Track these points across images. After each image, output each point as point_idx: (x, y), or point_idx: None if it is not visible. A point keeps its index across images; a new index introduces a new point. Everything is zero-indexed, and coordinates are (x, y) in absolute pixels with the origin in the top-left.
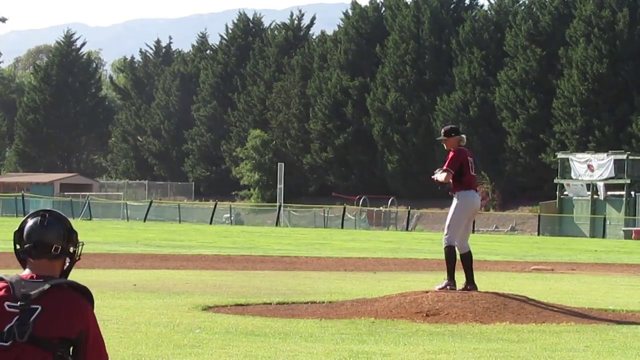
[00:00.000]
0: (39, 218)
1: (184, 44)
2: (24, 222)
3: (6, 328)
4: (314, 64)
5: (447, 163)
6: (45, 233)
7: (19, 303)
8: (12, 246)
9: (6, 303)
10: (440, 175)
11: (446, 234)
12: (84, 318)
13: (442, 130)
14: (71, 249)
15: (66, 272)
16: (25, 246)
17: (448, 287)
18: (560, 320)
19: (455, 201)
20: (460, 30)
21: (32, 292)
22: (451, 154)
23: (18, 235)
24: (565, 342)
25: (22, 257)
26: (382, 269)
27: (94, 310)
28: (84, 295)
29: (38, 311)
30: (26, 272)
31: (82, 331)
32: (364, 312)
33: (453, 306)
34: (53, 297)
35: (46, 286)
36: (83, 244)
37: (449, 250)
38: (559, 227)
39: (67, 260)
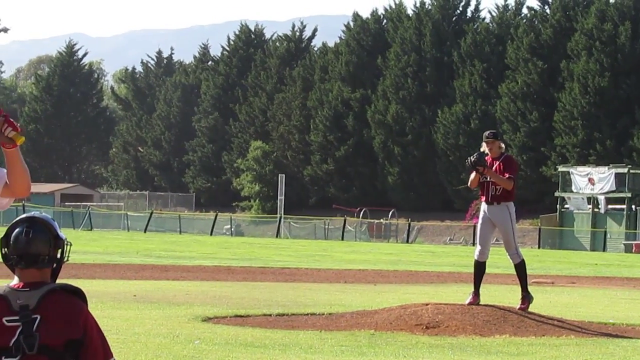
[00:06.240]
0: (24, 229)
1: (186, 54)
2: (11, 229)
3: (12, 343)
4: (315, 76)
5: (513, 170)
6: (31, 245)
7: (18, 316)
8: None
9: (5, 318)
10: (508, 182)
11: (516, 248)
12: (83, 317)
13: (490, 133)
14: (58, 254)
15: (55, 275)
16: (12, 257)
17: (528, 301)
18: (560, 334)
19: (508, 211)
20: (461, 43)
21: (29, 303)
22: (512, 158)
23: (4, 241)
24: (565, 356)
25: (10, 266)
26: (382, 281)
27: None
28: (77, 296)
29: (38, 320)
30: (16, 281)
31: (85, 330)
32: (363, 324)
33: (453, 319)
34: (49, 303)
35: (41, 294)
36: (71, 245)
37: (524, 263)
38: (559, 240)
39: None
